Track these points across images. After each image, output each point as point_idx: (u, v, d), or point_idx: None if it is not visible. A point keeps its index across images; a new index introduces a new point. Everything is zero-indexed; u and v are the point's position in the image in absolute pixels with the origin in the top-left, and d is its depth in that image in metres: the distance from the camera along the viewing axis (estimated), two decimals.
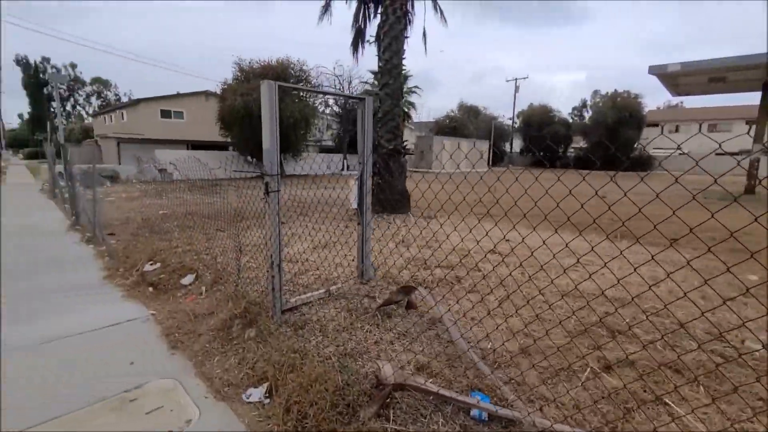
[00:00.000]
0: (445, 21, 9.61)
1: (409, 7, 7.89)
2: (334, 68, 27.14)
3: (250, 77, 21.58)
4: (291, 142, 22.34)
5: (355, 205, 3.78)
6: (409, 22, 7.66)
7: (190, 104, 30.98)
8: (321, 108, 25.80)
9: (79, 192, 7.90)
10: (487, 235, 2.90)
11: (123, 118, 31.15)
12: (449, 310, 3.36)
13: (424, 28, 9.47)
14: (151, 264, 4.71)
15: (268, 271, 3.22)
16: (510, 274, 3.29)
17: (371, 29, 9.62)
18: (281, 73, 22.44)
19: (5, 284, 4.54)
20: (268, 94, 2.97)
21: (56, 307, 3.94)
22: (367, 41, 9.55)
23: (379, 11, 8.63)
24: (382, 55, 7.72)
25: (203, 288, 4.09)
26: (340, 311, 3.48)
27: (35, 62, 62.94)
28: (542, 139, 40.72)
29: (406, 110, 32.95)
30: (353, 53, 9.19)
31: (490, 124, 42.70)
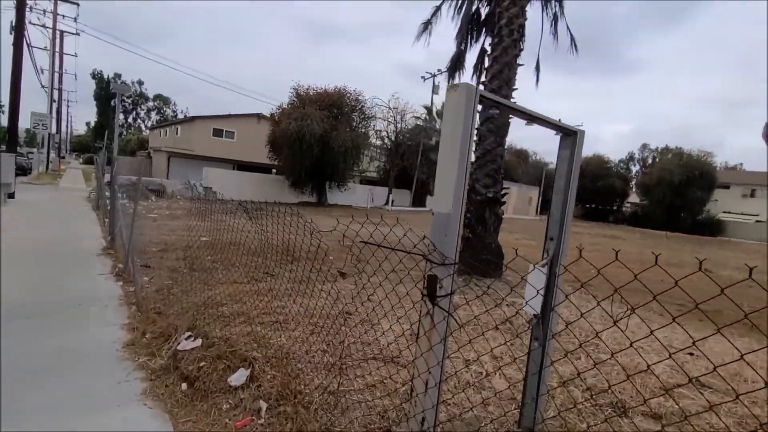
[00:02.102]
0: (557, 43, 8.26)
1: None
2: (389, 101, 26.63)
3: (305, 103, 21.18)
4: (339, 171, 21.46)
5: (535, 309, 2.20)
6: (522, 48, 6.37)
7: (242, 125, 31.30)
8: (372, 139, 25.04)
9: (119, 210, 6.84)
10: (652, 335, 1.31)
11: (177, 134, 31.84)
12: None
13: (538, 56, 8.13)
14: (189, 337, 3.30)
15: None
16: None
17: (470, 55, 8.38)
18: (337, 100, 21.98)
19: None
20: (465, 103, 1.53)
21: (39, 394, 2.55)
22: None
23: (482, 33, 7.44)
24: (488, 84, 6.39)
25: (262, 404, 2.58)
26: None
27: (108, 77, 68.09)
28: (597, 191, 38.23)
29: None
30: (449, 79, 7.98)
31: (540, 170, 40.77)
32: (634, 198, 41.78)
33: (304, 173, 20.83)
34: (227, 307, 4.39)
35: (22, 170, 24.30)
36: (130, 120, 74.17)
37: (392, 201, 25.44)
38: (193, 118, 29.67)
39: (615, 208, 42.04)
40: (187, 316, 3.80)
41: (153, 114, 76.83)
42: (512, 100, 6.50)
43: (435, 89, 29.89)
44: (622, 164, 52.11)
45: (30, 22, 27.96)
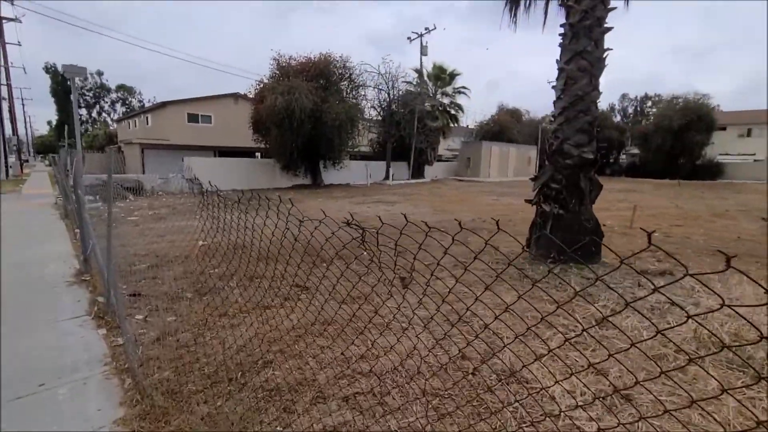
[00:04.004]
0: None
1: None
2: (379, 66, 24.31)
3: (289, 74, 18.95)
4: (334, 147, 19.55)
5: None
6: None
7: (219, 108, 28.74)
8: (365, 109, 23.02)
9: (87, 223, 5.13)
10: None
11: (148, 123, 29.10)
12: None
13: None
14: None
15: None
16: None
17: None
18: (324, 69, 19.81)
19: None
20: None
21: None
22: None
23: None
24: (575, 5, 4.73)
25: None
26: None
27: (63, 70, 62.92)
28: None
29: (453, 112, 29.95)
30: (512, 15, 6.10)
31: (534, 128, 39.30)
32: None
33: (296, 153, 18.88)
34: (278, 366, 2.86)
35: None
36: (94, 114, 69.42)
37: (392, 175, 23.72)
38: (164, 104, 26.97)
39: (611, 160, 41.15)
40: (218, 403, 2.25)
41: (118, 106, 71.85)
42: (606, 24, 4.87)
43: (423, 50, 27.67)
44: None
45: None
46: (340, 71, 20.74)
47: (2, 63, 26.83)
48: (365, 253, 4.41)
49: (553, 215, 4.92)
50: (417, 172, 27.66)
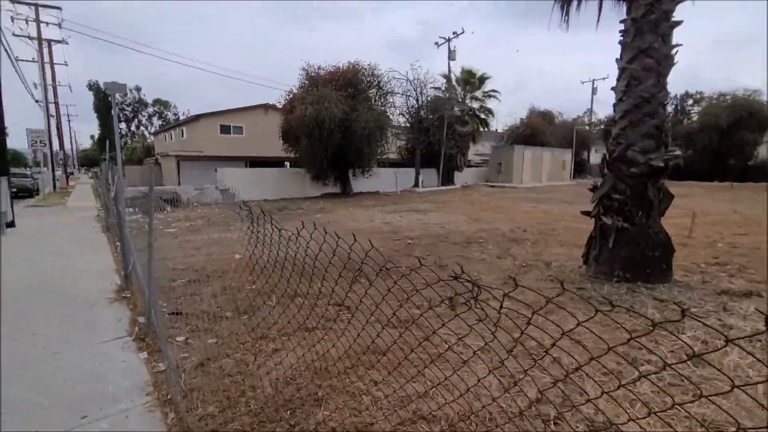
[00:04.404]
0: None
1: None
2: (407, 72, 24.11)
3: (318, 84, 19.04)
4: (363, 156, 19.43)
5: None
6: None
7: (249, 119, 29.41)
8: (392, 116, 22.84)
9: (128, 240, 5.09)
10: None
11: (183, 135, 30.12)
12: None
13: None
14: None
15: None
16: None
17: None
18: (352, 78, 19.80)
19: None
20: None
21: None
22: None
23: None
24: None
25: None
26: None
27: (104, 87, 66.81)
28: None
29: (483, 116, 29.32)
30: (563, 13, 5.67)
31: (569, 131, 37.95)
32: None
33: (326, 162, 18.88)
34: (330, 401, 2.58)
35: (28, 192, 23.00)
36: (133, 128, 73.03)
37: (422, 182, 23.35)
38: (198, 117, 27.85)
39: None
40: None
41: (155, 119, 75.34)
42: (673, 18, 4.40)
43: (451, 54, 27.32)
44: None
45: (13, 34, 26.20)
46: (368, 79, 20.69)
47: (51, 83, 28.50)
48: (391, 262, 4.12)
49: (615, 229, 4.44)
50: (446, 179, 27.16)
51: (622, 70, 4.66)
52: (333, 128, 17.27)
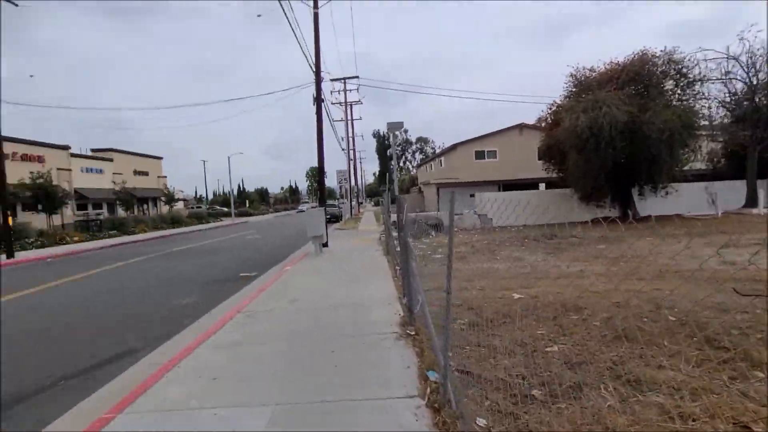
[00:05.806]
0: None
1: None
2: (728, 47, 17.12)
3: (592, 88, 16.03)
4: (660, 167, 14.79)
5: None
6: None
7: (503, 142, 28.84)
8: (705, 110, 16.77)
9: (415, 274, 4.51)
10: None
11: (441, 165, 32.63)
12: None
13: None
14: None
15: None
16: None
17: None
18: (638, 71, 15.69)
19: None
20: None
21: None
22: None
23: None
24: None
25: None
26: None
27: (385, 134, 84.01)
28: None
29: None
30: None
31: None
32: None
33: (602, 179, 15.45)
34: None
35: (336, 218, 29.84)
36: (401, 164, 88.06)
37: (763, 200, 15.77)
38: (455, 146, 29.47)
39: None
40: None
41: (417, 154, 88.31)
42: None
43: None
44: None
45: (331, 103, 35.64)
46: (661, 69, 15.97)
47: (351, 134, 36.98)
48: None
49: None
50: None
51: None
52: (614, 135, 13.89)
